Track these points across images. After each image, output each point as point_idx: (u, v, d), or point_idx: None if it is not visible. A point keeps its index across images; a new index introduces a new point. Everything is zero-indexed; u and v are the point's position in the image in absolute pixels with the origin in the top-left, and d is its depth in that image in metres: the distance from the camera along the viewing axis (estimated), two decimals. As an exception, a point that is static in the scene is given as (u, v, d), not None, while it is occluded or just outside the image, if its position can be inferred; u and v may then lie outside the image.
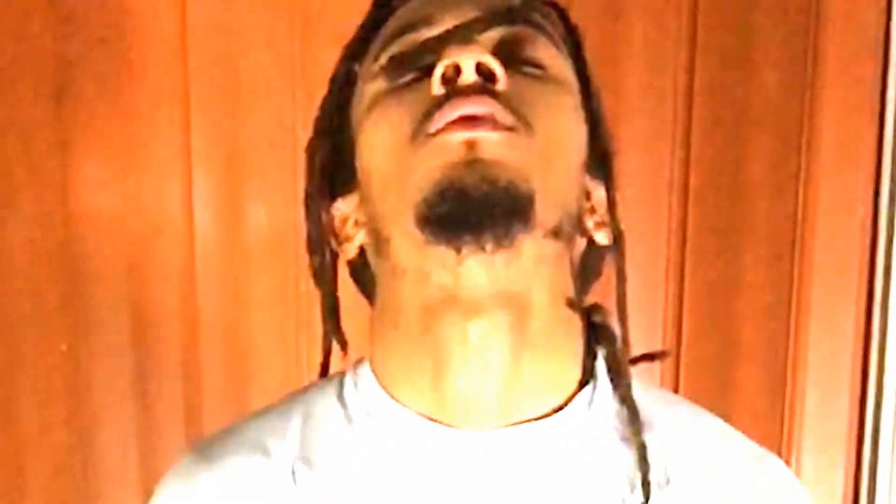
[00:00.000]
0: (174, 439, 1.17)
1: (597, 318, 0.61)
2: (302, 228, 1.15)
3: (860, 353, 1.18)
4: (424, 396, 0.57)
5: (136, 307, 1.17)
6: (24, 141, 1.14)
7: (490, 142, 0.51)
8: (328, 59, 1.10)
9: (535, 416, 0.56)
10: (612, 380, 0.59)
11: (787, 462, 1.15)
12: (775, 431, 1.18)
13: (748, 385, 1.18)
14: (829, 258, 1.16)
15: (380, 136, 0.56)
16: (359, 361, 0.62)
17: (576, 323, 0.59)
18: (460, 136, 0.51)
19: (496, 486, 0.56)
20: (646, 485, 0.56)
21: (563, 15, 0.63)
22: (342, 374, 0.63)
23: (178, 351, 1.18)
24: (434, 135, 0.52)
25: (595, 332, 0.61)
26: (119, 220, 1.16)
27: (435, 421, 0.56)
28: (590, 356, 0.60)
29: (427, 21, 0.57)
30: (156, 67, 1.14)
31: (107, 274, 1.16)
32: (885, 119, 1.13)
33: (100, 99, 1.14)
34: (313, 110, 1.12)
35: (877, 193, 1.15)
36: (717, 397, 1.18)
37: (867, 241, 1.16)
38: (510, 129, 0.52)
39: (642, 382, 0.62)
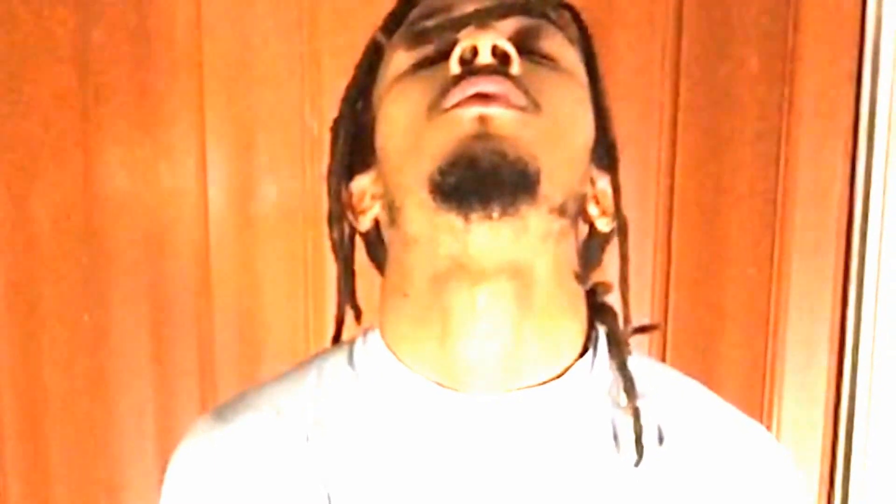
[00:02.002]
0: (190, 403, 1.20)
1: (601, 296, 0.64)
2: (309, 204, 1.19)
3: (837, 322, 1.19)
4: (431, 361, 0.59)
5: (153, 280, 1.19)
6: (46, 124, 1.16)
7: (502, 118, 0.53)
8: (333, 47, 1.16)
9: (536, 383, 0.59)
10: (611, 352, 0.62)
11: (769, 424, 1.19)
12: (757, 395, 1.20)
13: (731, 353, 1.20)
14: (807, 234, 1.17)
15: (398, 111, 0.58)
16: (369, 329, 0.64)
17: (579, 296, 0.61)
18: (474, 110, 0.53)
19: (497, 449, 0.58)
20: (639, 445, 0.58)
21: (576, 17, 0.64)
22: (353, 340, 0.65)
23: (193, 320, 1.19)
24: (449, 109, 0.54)
25: (598, 308, 0.63)
26: (137, 198, 1.17)
27: (441, 385, 0.58)
28: (590, 328, 0.62)
29: (448, 10, 0.59)
30: (172, 54, 1.15)
31: (126, 248, 1.18)
32: (861, 101, 1.14)
33: (119, 83, 1.15)
34: (320, 94, 1.16)
35: (853, 172, 1.16)
36: (702, 364, 1.20)
37: (844, 218, 1.17)
38: (521, 108, 0.54)
39: (636, 352, 0.64)
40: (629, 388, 0.60)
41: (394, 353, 0.61)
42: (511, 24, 0.58)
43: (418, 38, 0.60)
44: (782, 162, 1.17)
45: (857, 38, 1.14)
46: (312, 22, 1.14)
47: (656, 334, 1.20)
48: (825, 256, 1.18)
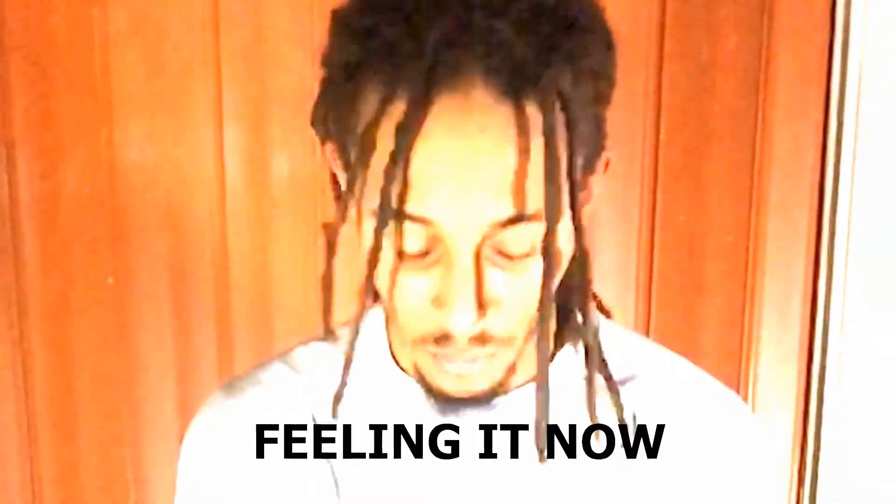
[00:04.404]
0: (208, 362, 1.25)
1: (575, 320, 0.64)
2: (320, 176, 1.22)
3: (810, 286, 1.24)
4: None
5: (173, 245, 1.24)
6: (72, 102, 1.21)
7: (478, 375, 0.57)
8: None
9: (518, 385, 0.62)
10: (586, 364, 0.63)
11: (745, 383, 1.25)
12: (734, 354, 1.25)
13: (711, 315, 1.25)
14: (782, 201, 1.22)
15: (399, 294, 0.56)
16: (376, 301, 0.64)
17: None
18: (455, 369, 0.56)
19: (486, 448, 0.61)
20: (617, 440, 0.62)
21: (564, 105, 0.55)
22: (358, 322, 0.64)
23: (210, 284, 1.25)
24: (433, 354, 0.57)
25: (574, 333, 0.65)
26: (158, 169, 1.22)
27: (430, 390, 0.60)
28: (561, 318, 0.64)
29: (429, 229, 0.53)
30: (191, 37, 1.20)
31: (147, 216, 1.24)
32: (832, 75, 1.19)
33: (140, 62, 1.20)
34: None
35: (825, 143, 1.21)
36: (685, 326, 1.25)
37: (816, 185, 1.22)
38: (493, 355, 0.56)
39: (620, 330, 0.68)
40: (613, 392, 0.62)
41: (391, 349, 0.64)
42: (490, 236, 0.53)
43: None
44: (758, 134, 1.21)
45: (828, 19, 1.19)
46: (321, 4, 1.16)
47: (642, 295, 1.25)
48: (798, 222, 1.24)
